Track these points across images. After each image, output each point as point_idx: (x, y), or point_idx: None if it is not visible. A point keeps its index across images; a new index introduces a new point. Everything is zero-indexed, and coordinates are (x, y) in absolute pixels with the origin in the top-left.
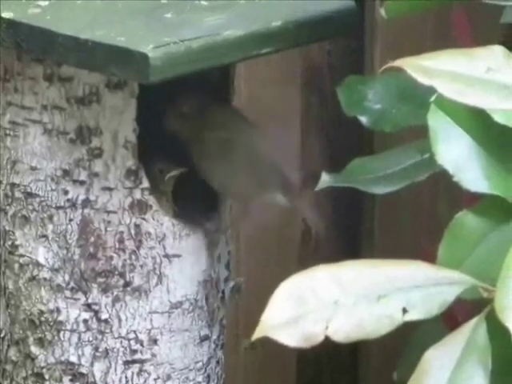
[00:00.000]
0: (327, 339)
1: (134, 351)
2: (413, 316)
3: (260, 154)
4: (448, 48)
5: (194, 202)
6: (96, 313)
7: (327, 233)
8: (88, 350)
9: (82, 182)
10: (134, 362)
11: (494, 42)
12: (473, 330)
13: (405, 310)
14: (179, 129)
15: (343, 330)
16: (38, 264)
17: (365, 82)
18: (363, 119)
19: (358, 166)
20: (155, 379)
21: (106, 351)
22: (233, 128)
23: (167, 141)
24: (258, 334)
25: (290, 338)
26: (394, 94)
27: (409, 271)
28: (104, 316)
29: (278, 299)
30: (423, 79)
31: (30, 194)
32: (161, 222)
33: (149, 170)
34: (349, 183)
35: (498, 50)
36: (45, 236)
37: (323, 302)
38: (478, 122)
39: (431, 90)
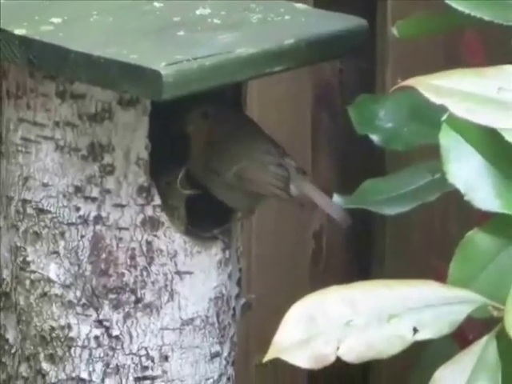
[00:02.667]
0: (338, 359)
1: (145, 368)
2: (423, 335)
3: (268, 163)
4: (459, 68)
5: (205, 218)
6: (107, 329)
7: (339, 251)
8: (99, 367)
9: (93, 199)
10: (144, 378)
11: (505, 62)
12: (483, 348)
13: (415, 330)
14: (198, 129)
15: (354, 350)
16: (49, 280)
17: (376, 100)
18: (375, 138)
19: (369, 187)
20: None
21: (117, 367)
22: (248, 154)
23: (175, 153)
24: (270, 355)
25: (302, 360)
26: (406, 113)
27: (419, 291)
28: (115, 332)
29: (290, 321)
30: (435, 98)
31: (41, 211)
32: (172, 239)
33: (158, 185)
34: (360, 205)
35: (509, 69)
36: (56, 252)
37: (334, 323)
38: (489, 141)
39: (443, 109)
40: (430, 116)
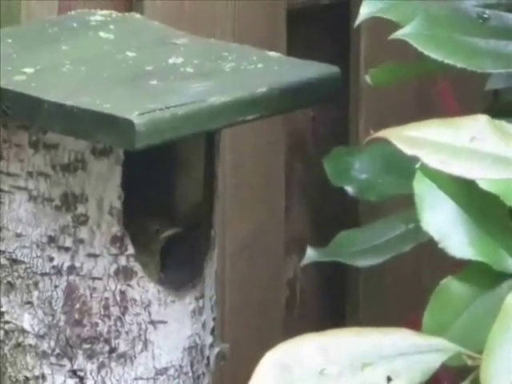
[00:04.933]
0: None
1: None
2: None
3: None
4: (431, 117)
5: (178, 269)
6: (81, 379)
7: (313, 299)
8: None
9: (67, 249)
10: None
11: (479, 108)
12: None
13: (389, 379)
14: None
15: None
16: (23, 330)
17: (351, 152)
18: (349, 189)
19: (343, 239)
20: None
21: None
22: None
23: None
24: None
25: None
26: (380, 165)
27: (393, 339)
28: (89, 382)
29: (263, 369)
30: (407, 150)
31: (15, 261)
32: (146, 289)
33: (135, 233)
34: (334, 257)
35: (482, 118)
36: (30, 303)
37: (308, 372)
38: (463, 189)
39: (416, 160)
40: (404, 167)
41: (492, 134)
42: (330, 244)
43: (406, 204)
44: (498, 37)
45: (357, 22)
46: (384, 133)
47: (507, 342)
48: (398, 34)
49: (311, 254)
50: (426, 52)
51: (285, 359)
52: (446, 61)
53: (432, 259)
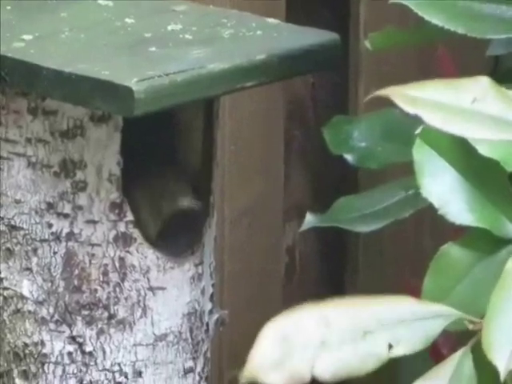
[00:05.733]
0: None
1: (119, 383)
2: (398, 352)
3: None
4: None
5: (178, 235)
6: (80, 345)
7: (312, 266)
8: (73, 383)
9: (66, 215)
10: None
11: (479, 75)
12: (458, 362)
13: (390, 346)
14: None
15: (329, 369)
16: (22, 297)
17: (350, 121)
18: (349, 157)
19: (342, 205)
20: None
21: (91, 383)
22: None
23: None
24: (245, 376)
25: (277, 380)
26: (379, 133)
27: (393, 307)
28: (88, 348)
29: (264, 340)
30: (409, 108)
31: (14, 227)
32: (145, 255)
33: (133, 200)
34: (333, 223)
35: (484, 80)
36: (29, 269)
37: (309, 342)
38: (462, 155)
39: (415, 128)
40: (403, 134)
41: (493, 96)
42: (329, 210)
43: (406, 171)
44: (498, 1)
45: None
46: (386, 91)
47: (508, 306)
48: None
49: (310, 219)
50: (426, 17)
51: (285, 330)
52: (447, 26)
53: (432, 224)
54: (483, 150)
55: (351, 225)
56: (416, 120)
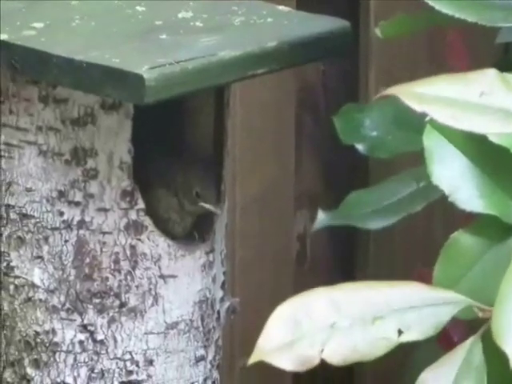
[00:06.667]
0: (323, 361)
1: (130, 372)
2: (408, 337)
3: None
4: (442, 70)
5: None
6: (92, 334)
7: (323, 254)
8: (84, 371)
9: (77, 203)
10: (129, 382)
11: (489, 62)
12: (468, 350)
13: (400, 332)
14: None
15: (339, 352)
16: (33, 285)
17: (361, 109)
18: (360, 147)
19: (354, 200)
20: None
21: (102, 372)
22: None
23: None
24: (254, 358)
25: (286, 362)
26: (390, 121)
27: (404, 292)
28: (100, 337)
29: (274, 323)
30: (417, 106)
31: (25, 216)
32: (156, 243)
33: (146, 190)
34: (345, 220)
35: (491, 73)
36: (40, 257)
37: (319, 325)
38: (472, 142)
39: (426, 116)
40: (414, 123)
41: (501, 89)
42: (341, 206)
43: (417, 160)
44: None
45: None
46: (393, 90)
47: None
48: None
49: (322, 217)
50: (436, 6)
51: (295, 313)
52: (457, 15)
53: (443, 215)
54: (493, 138)
55: (363, 222)
56: None
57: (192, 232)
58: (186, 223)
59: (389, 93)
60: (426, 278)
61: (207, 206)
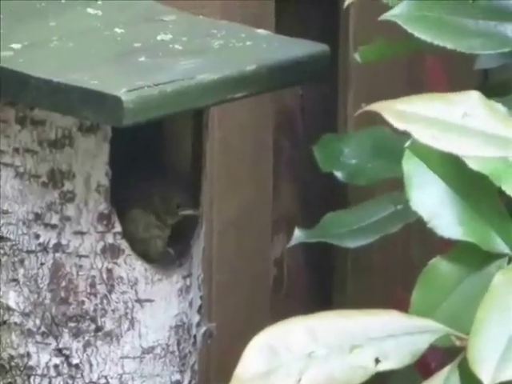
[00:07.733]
0: None
1: None
2: (386, 366)
3: None
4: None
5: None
6: (67, 357)
7: (300, 278)
8: None
9: (53, 226)
10: None
11: (468, 88)
12: (445, 378)
13: (378, 360)
14: None
15: (316, 381)
16: (8, 308)
17: (340, 139)
18: (339, 174)
19: (331, 220)
20: None
21: None
22: None
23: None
24: None
25: None
26: (369, 149)
27: (381, 321)
28: (75, 361)
29: (251, 352)
30: (399, 124)
31: (1, 238)
32: (133, 267)
33: (123, 212)
34: (322, 238)
35: (474, 95)
36: (16, 280)
37: (296, 355)
38: (452, 168)
39: (405, 142)
40: (393, 151)
41: (484, 111)
42: (318, 225)
43: (395, 186)
44: (487, 17)
45: (346, 3)
46: (375, 106)
47: (493, 322)
48: (388, 15)
49: (299, 234)
50: (415, 34)
51: (273, 342)
52: (436, 42)
53: (421, 236)
54: (473, 165)
55: (340, 240)
56: (406, 137)
57: (167, 250)
58: (165, 234)
59: (370, 109)
60: (405, 303)
61: (187, 212)
